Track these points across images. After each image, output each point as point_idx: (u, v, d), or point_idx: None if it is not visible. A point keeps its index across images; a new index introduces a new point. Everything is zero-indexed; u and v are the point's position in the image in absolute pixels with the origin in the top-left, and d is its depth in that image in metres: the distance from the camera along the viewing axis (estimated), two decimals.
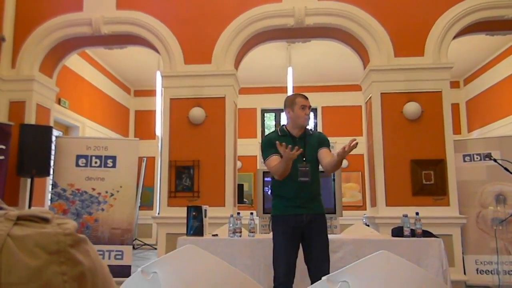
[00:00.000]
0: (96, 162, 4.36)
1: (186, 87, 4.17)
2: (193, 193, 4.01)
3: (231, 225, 2.87)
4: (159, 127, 5.88)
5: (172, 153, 4.09)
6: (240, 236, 2.84)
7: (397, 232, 2.89)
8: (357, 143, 2.21)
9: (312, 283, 2.20)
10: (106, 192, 4.33)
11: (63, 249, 0.34)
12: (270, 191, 3.21)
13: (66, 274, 0.34)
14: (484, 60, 6.88)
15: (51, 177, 4.38)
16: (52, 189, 4.38)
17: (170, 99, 4.18)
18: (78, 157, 4.36)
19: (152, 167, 7.97)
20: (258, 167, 4.79)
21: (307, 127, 2.56)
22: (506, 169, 3.19)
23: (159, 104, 6.20)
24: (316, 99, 6.97)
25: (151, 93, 7.52)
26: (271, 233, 2.53)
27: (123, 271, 3.96)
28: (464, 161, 4.15)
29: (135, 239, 7.04)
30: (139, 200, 7.31)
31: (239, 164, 5.45)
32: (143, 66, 7.01)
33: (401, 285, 1.49)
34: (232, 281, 1.62)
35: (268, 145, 2.46)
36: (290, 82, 6.48)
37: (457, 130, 7.31)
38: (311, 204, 2.42)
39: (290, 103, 2.52)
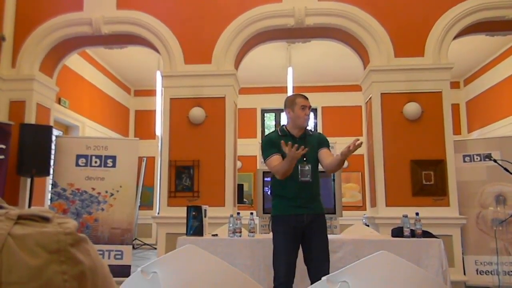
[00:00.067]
0: (96, 162, 4.36)
1: (186, 87, 4.17)
2: (193, 193, 4.01)
3: (231, 225, 2.87)
4: (159, 127, 5.88)
5: (172, 153, 4.09)
6: (240, 236, 2.84)
7: (397, 232, 2.89)
8: (361, 143, 2.21)
9: (312, 283, 2.20)
10: (106, 191, 4.33)
11: (63, 249, 0.34)
12: (269, 191, 3.21)
13: (66, 273, 0.34)
14: (484, 61, 6.88)
15: (51, 176, 4.38)
16: (52, 188, 4.38)
17: (170, 99, 4.18)
18: (78, 156, 4.36)
19: (152, 167, 7.97)
20: (258, 167, 4.79)
21: (307, 127, 2.56)
22: (506, 169, 3.19)
23: (159, 104, 6.20)
24: (316, 99, 6.97)
25: (151, 93, 7.52)
26: (271, 233, 2.53)
27: (123, 271, 3.96)
28: (464, 161, 4.15)
29: (135, 239, 7.05)
30: (139, 200, 7.32)
31: (239, 164, 5.45)
32: (143, 66, 7.01)
33: (401, 285, 1.49)
34: (232, 281, 1.62)
35: (269, 145, 2.45)
36: (290, 82, 6.48)
37: (457, 130, 7.31)
38: (311, 204, 2.42)
39: (290, 103, 2.52)
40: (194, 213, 2.92)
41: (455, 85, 7.41)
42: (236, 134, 4.36)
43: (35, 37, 4.36)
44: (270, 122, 8.43)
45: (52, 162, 4.33)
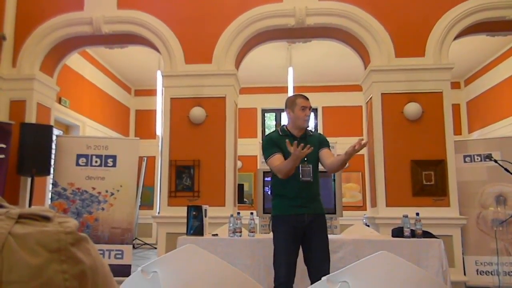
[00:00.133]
0: (96, 162, 4.37)
1: (186, 87, 4.17)
2: (193, 192, 4.01)
3: (231, 225, 2.87)
4: (160, 126, 5.88)
5: (172, 153, 4.09)
6: (240, 236, 2.84)
7: (397, 232, 2.89)
8: (367, 142, 2.21)
9: (312, 283, 2.20)
10: (106, 191, 4.33)
11: (64, 248, 0.34)
12: (270, 191, 3.21)
13: (67, 272, 0.34)
14: (485, 61, 6.88)
15: (51, 176, 4.38)
16: (52, 188, 4.38)
17: (171, 98, 4.18)
18: (79, 156, 4.36)
19: (153, 167, 7.98)
20: (258, 167, 4.79)
21: (307, 128, 2.56)
22: (506, 170, 3.18)
23: (159, 104, 6.20)
24: (316, 99, 6.97)
25: (152, 92, 7.52)
26: (271, 233, 2.52)
27: (123, 271, 3.96)
28: (465, 161, 4.15)
29: (135, 238, 7.05)
30: (139, 200, 7.32)
31: (239, 164, 5.45)
32: (143, 65, 7.01)
33: (401, 285, 1.49)
34: (232, 281, 1.62)
35: (270, 144, 2.45)
36: (291, 82, 6.48)
37: (457, 130, 7.30)
38: (312, 204, 2.42)
39: (290, 103, 2.52)
40: (194, 213, 2.93)
41: (455, 85, 7.40)
42: (237, 134, 4.36)
43: (36, 36, 4.36)
44: (270, 122, 8.43)
45: (52, 161, 4.33)
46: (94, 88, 6.90)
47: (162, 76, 4.35)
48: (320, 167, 2.52)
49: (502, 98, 6.45)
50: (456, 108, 7.15)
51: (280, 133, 2.51)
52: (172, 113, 4.16)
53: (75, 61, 5.89)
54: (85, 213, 4.27)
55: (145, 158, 7.54)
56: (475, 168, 4.11)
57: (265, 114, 8.37)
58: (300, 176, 2.38)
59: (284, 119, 7.95)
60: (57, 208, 4.21)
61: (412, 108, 3.92)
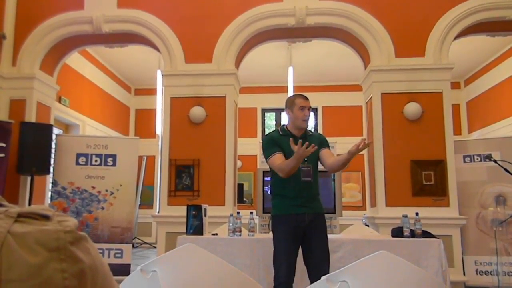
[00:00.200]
0: (96, 161, 4.37)
1: (186, 86, 4.17)
2: (193, 192, 4.01)
3: (230, 224, 2.87)
4: (160, 126, 5.87)
5: (172, 152, 4.09)
6: (240, 235, 2.84)
7: (397, 232, 2.89)
8: (371, 142, 2.21)
9: (311, 282, 2.20)
10: (106, 190, 4.33)
11: (63, 247, 0.34)
12: (269, 190, 3.21)
13: (66, 271, 0.33)
14: (485, 61, 6.88)
15: (51, 175, 4.38)
16: (52, 187, 4.38)
17: (171, 98, 4.18)
18: (78, 155, 4.36)
19: (152, 166, 7.98)
20: (258, 167, 4.79)
21: (307, 128, 2.55)
22: (506, 170, 3.18)
23: (159, 103, 6.20)
24: (316, 99, 6.97)
25: (152, 91, 7.52)
26: (271, 233, 2.52)
27: (123, 270, 3.96)
28: (464, 161, 4.15)
29: (135, 237, 7.05)
30: (139, 199, 7.32)
31: (239, 163, 5.45)
32: (143, 64, 7.01)
33: (400, 285, 1.49)
34: (232, 280, 1.62)
35: (271, 143, 2.45)
36: (291, 82, 6.48)
37: (457, 130, 7.30)
38: (312, 204, 2.42)
39: (290, 103, 2.52)
40: (194, 212, 2.93)
41: (455, 85, 7.40)
42: (237, 134, 4.36)
43: (36, 35, 4.36)
44: (270, 121, 8.43)
45: (52, 160, 4.33)
46: (94, 87, 6.90)
47: (162, 75, 4.34)
48: (320, 167, 2.52)
49: (502, 98, 6.46)
50: (456, 108, 7.15)
51: (281, 133, 2.51)
52: (172, 113, 4.16)
53: (75, 60, 5.89)
54: (85, 212, 4.27)
55: (145, 158, 7.54)
56: (474, 168, 4.11)
57: (265, 114, 8.37)
58: (301, 176, 2.37)
59: (284, 119, 7.96)
60: (57, 207, 4.21)
61: (412, 108, 3.92)
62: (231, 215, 2.94)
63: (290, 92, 6.24)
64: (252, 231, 2.89)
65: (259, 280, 2.54)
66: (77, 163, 4.34)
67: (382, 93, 4.03)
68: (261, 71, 7.23)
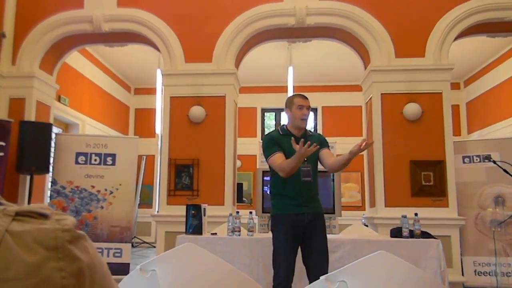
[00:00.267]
0: (95, 160, 4.36)
1: (186, 86, 4.17)
2: (193, 191, 4.01)
3: (230, 224, 2.87)
4: (159, 125, 5.87)
5: (171, 152, 4.09)
6: (239, 235, 2.84)
7: (396, 232, 2.90)
8: (372, 142, 2.21)
9: (310, 282, 2.20)
10: (106, 189, 4.33)
11: (61, 245, 0.34)
12: (269, 190, 3.21)
13: (64, 270, 0.33)
14: (484, 62, 6.88)
15: (50, 174, 4.38)
16: (51, 186, 4.38)
17: (170, 97, 4.18)
18: (78, 154, 4.36)
19: (152, 165, 7.97)
20: (257, 166, 4.79)
21: (306, 127, 2.56)
22: (505, 171, 3.19)
23: (159, 102, 6.19)
24: (316, 99, 6.97)
25: (151, 91, 7.51)
26: (270, 232, 2.52)
27: (122, 269, 3.96)
28: (464, 162, 4.15)
29: (134, 237, 7.05)
30: (138, 198, 7.32)
31: (238, 163, 5.45)
32: (143, 64, 7.00)
33: (399, 285, 1.50)
34: (231, 280, 1.62)
35: (271, 143, 2.45)
36: (291, 82, 6.48)
37: (457, 131, 7.31)
38: (311, 203, 2.42)
39: (289, 103, 2.53)
40: (193, 211, 2.93)
41: (455, 86, 7.41)
42: (236, 133, 4.36)
43: (35, 34, 4.35)
44: (270, 121, 8.43)
45: (51, 159, 4.33)
46: (93, 86, 6.89)
47: (162, 74, 4.34)
48: (320, 167, 2.52)
49: (501, 99, 6.46)
50: (455, 109, 7.15)
51: (281, 133, 2.51)
52: (171, 112, 4.15)
53: (74, 59, 5.88)
54: (84, 212, 4.27)
55: (145, 157, 7.54)
56: (474, 169, 4.11)
57: (265, 114, 8.37)
58: (301, 176, 2.37)
59: (284, 119, 7.95)
60: (56, 206, 4.21)
61: (412, 109, 3.92)
62: (231, 214, 2.94)
63: (290, 92, 6.24)
64: (251, 231, 2.89)
65: (258, 280, 2.54)
66: (77, 162, 4.34)
67: (382, 94, 4.03)
68: (261, 71, 7.23)
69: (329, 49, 5.91)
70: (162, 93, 4.32)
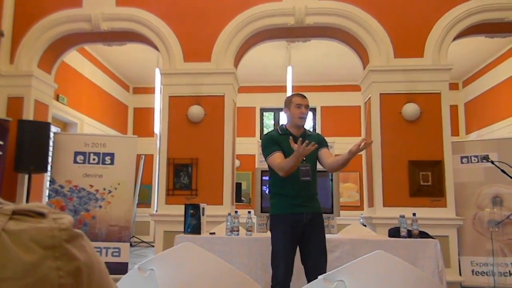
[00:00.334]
0: (94, 159, 4.36)
1: (185, 85, 4.16)
2: (191, 191, 4.01)
3: (228, 223, 2.87)
4: (158, 124, 5.86)
5: (170, 151, 4.08)
6: (238, 234, 2.84)
7: (394, 232, 2.90)
8: (371, 142, 2.21)
9: (308, 282, 2.20)
10: (104, 189, 4.32)
11: (58, 244, 0.34)
12: (268, 189, 3.20)
13: (61, 269, 0.33)
14: (483, 62, 6.89)
15: (48, 173, 4.37)
16: (50, 185, 4.37)
17: (169, 96, 4.17)
18: (76, 153, 4.35)
19: (150, 165, 7.97)
20: (256, 166, 4.79)
21: (305, 127, 2.56)
22: (503, 171, 3.20)
23: (158, 102, 6.19)
24: (315, 99, 6.97)
25: (150, 90, 7.50)
26: (269, 232, 2.53)
27: (120, 268, 3.96)
28: (462, 162, 4.16)
29: (133, 236, 7.04)
30: (136, 198, 7.31)
31: (237, 162, 5.44)
32: (142, 63, 6.99)
33: (397, 285, 1.50)
34: (229, 279, 1.62)
35: (270, 142, 2.46)
36: (290, 82, 6.48)
37: (455, 131, 7.32)
38: (310, 203, 2.43)
39: (288, 102, 2.53)
40: (192, 211, 2.92)
41: (453, 86, 7.42)
42: (235, 133, 4.35)
43: (34, 33, 4.34)
44: (269, 121, 8.43)
45: (50, 159, 4.32)
46: (92, 85, 6.88)
47: (161, 74, 4.34)
48: (319, 167, 2.52)
49: (500, 99, 6.47)
50: (454, 109, 7.16)
51: (280, 132, 2.52)
52: (170, 111, 4.15)
53: (73, 58, 5.87)
54: (83, 211, 4.26)
55: (143, 156, 7.53)
56: (472, 169, 4.12)
57: (264, 113, 8.37)
58: (300, 176, 2.38)
59: (282, 119, 7.95)
60: (55, 205, 4.20)
61: (410, 109, 3.93)
62: (229, 214, 2.94)
63: (289, 92, 6.24)
64: (250, 230, 2.89)
65: (257, 279, 2.54)
66: (75, 162, 4.33)
67: (380, 94, 4.04)
68: (260, 71, 7.23)
69: (328, 49, 5.91)
70: (161, 93, 4.32)
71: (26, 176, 4.15)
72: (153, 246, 5.83)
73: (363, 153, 4.44)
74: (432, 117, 3.95)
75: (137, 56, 6.67)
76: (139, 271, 1.57)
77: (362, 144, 2.21)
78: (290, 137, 2.28)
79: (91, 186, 4.31)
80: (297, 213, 2.37)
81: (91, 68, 6.80)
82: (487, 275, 3.92)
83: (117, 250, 4.21)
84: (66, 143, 4.39)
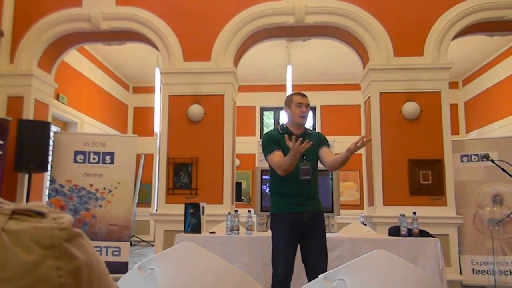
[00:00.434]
0: (94, 158, 4.36)
1: (185, 84, 4.16)
2: (191, 190, 4.01)
3: (228, 222, 2.88)
4: (158, 124, 5.86)
5: (170, 150, 4.08)
6: (238, 233, 2.84)
7: (394, 231, 2.90)
8: (369, 140, 2.21)
9: (309, 280, 2.20)
10: (104, 188, 4.32)
11: (58, 244, 0.34)
12: (268, 188, 3.21)
13: (61, 269, 0.33)
14: (483, 61, 6.89)
15: (49, 173, 4.37)
16: (50, 185, 4.37)
17: (169, 96, 4.17)
18: (76, 153, 4.35)
19: (150, 164, 7.97)
20: (256, 165, 4.79)
21: (306, 126, 2.56)
22: (503, 170, 3.20)
23: (158, 101, 6.18)
24: (315, 98, 6.96)
25: (150, 89, 7.50)
26: (269, 231, 2.53)
27: (120, 268, 3.96)
28: (462, 161, 4.16)
29: (133, 235, 7.04)
30: (137, 197, 7.31)
31: (237, 162, 5.44)
32: (142, 62, 6.99)
33: (397, 283, 1.50)
34: (230, 278, 1.62)
35: (270, 142, 2.46)
36: (290, 81, 6.48)
37: (455, 130, 7.32)
38: (311, 202, 2.43)
39: (288, 101, 2.54)
40: (192, 210, 2.93)
41: (453, 85, 7.42)
42: (235, 132, 4.35)
43: (34, 32, 4.34)
44: (269, 120, 8.43)
45: (50, 158, 4.32)
46: (92, 85, 6.88)
47: (161, 73, 4.33)
48: (320, 166, 2.52)
49: (500, 98, 6.47)
50: (454, 108, 7.16)
51: (280, 131, 2.52)
52: (170, 111, 4.15)
53: (73, 57, 5.87)
54: (83, 210, 4.26)
55: (143, 156, 7.53)
56: (472, 167, 4.13)
57: (264, 112, 8.37)
58: (300, 175, 2.38)
59: (282, 118, 7.94)
60: (55, 205, 4.20)
61: (410, 108, 3.93)
62: (229, 213, 2.94)
63: (289, 91, 6.23)
64: (250, 230, 2.89)
65: (257, 278, 2.54)
66: (75, 161, 4.33)
67: (380, 92, 4.03)
68: (260, 70, 7.23)
69: (328, 48, 5.91)
70: (160, 92, 4.32)
71: (26, 176, 4.15)
72: (153, 246, 5.84)
73: (363, 152, 4.44)
74: (432, 116, 3.95)
75: (137, 56, 6.67)
76: (139, 271, 1.57)
77: (360, 142, 2.21)
78: (286, 135, 2.28)
79: (91, 185, 4.31)
80: (297, 212, 2.37)
81: (91, 67, 6.80)
82: (487, 273, 3.92)
83: (117, 249, 4.22)
84: (66, 143, 4.39)
